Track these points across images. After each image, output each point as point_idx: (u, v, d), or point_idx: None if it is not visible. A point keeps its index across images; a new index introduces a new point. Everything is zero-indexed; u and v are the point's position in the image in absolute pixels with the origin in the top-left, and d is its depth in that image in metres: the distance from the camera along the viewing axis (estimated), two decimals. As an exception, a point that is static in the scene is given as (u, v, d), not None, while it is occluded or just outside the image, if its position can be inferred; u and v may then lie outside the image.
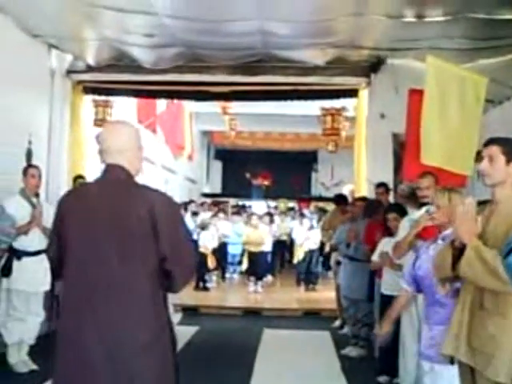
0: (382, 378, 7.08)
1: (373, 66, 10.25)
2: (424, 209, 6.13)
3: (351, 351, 8.53)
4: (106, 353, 3.10)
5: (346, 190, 14.41)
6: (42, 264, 7.10)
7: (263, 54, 9.92)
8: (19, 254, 7.01)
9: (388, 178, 9.07)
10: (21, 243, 6.99)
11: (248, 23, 8.21)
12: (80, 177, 9.50)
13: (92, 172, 10.29)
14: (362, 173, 10.40)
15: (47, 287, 7.36)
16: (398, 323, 6.42)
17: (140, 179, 3.49)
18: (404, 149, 8.51)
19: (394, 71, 9.89)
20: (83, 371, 3.15)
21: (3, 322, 7.05)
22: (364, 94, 10.61)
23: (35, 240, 7.07)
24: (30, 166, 7.23)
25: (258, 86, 10.85)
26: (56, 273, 3.52)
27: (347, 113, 13.76)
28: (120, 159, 3.33)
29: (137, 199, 3.23)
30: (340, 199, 10.93)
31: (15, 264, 6.97)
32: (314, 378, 7.38)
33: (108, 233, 3.18)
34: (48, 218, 7.06)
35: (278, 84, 10.67)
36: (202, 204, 19.29)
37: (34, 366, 7.12)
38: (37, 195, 7.22)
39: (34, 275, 7.06)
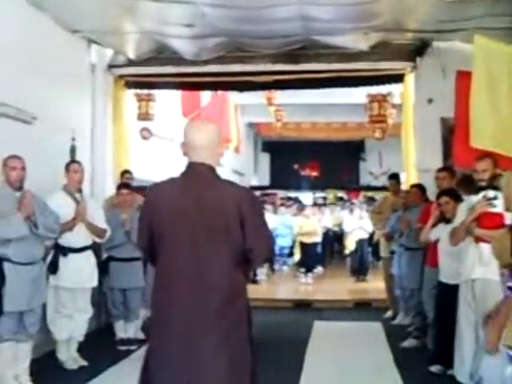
0: (436, 368, 6.83)
1: (418, 50, 9.92)
2: (481, 194, 5.92)
3: (412, 342, 8.31)
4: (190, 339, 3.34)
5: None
6: (89, 260, 7.15)
7: (305, 40, 9.71)
8: (65, 251, 6.96)
9: (437, 164, 8.77)
10: (66, 240, 6.94)
11: (288, 8, 8.00)
12: (127, 171, 9.51)
13: (137, 167, 10.29)
14: (411, 160, 10.12)
15: (94, 283, 7.32)
16: (453, 312, 6.22)
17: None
18: (453, 134, 8.33)
19: (440, 54, 9.56)
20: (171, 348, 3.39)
21: (52, 319, 7.01)
22: (410, 78, 10.29)
23: (80, 236, 7.04)
24: (72, 161, 7.17)
25: (301, 75, 10.61)
26: (150, 262, 3.79)
27: (394, 100, 13.50)
28: (204, 155, 3.54)
29: (224, 194, 3.49)
30: (393, 177, 10.59)
31: (61, 261, 6.91)
32: (365, 371, 7.17)
33: (198, 225, 3.41)
34: (92, 213, 7.07)
35: (322, 71, 10.42)
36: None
37: (84, 362, 7.13)
38: (80, 191, 7.16)
39: (80, 272, 7.03)
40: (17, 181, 6.06)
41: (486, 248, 5.77)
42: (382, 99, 12.65)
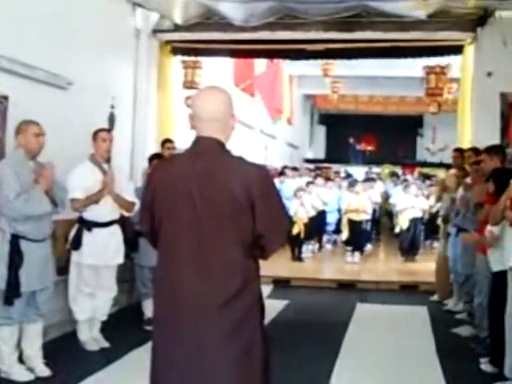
0: (487, 366, 6.22)
1: (479, 19, 9.34)
2: None
3: (463, 330, 7.82)
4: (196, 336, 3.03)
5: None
6: (115, 236, 6.75)
7: (359, 7, 9.21)
8: (89, 225, 6.53)
9: (494, 141, 8.20)
10: (91, 213, 6.51)
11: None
12: (168, 140, 8.84)
13: (181, 136, 9.96)
14: (466, 136, 9.59)
15: (120, 260, 6.88)
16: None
17: (238, 145, 3.22)
18: None
19: (502, 24, 8.94)
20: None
21: (74, 297, 6.66)
22: (470, 50, 9.74)
23: (107, 210, 6.59)
24: (100, 129, 6.75)
25: (355, 44, 10.23)
26: (153, 247, 3.37)
27: (452, 73, 12.95)
28: (212, 128, 3.16)
29: (232, 174, 3.09)
30: (458, 150, 9.83)
31: (85, 236, 6.51)
32: (404, 362, 6.71)
33: (201, 208, 3.05)
34: (121, 185, 6.70)
35: (377, 41, 9.99)
36: (298, 170, 18.50)
37: (106, 344, 6.77)
38: (108, 161, 6.69)
39: (105, 248, 6.59)
40: (37, 149, 5.66)
41: None
42: (440, 71, 12.14)
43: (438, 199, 10.56)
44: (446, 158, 20.29)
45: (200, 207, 3.04)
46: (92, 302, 6.69)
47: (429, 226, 15.10)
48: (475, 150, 7.76)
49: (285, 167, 17.63)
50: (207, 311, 3.02)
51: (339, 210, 15.40)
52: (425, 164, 25.89)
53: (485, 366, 6.24)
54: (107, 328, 6.98)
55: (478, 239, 6.64)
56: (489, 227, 6.06)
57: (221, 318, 3.01)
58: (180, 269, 3.07)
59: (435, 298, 9.86)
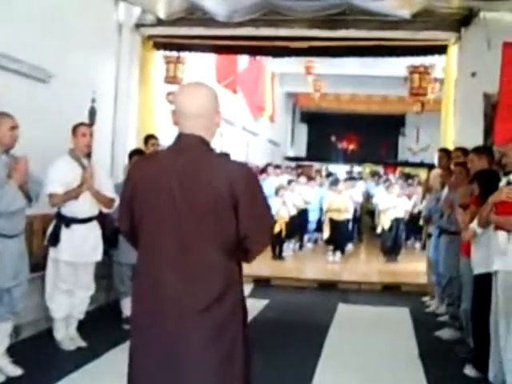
0: (471, 371, 6.13)
1: (464, 20, 9.32)
2: (505, 179, 5.42)
3: (445, 333, 7.76)
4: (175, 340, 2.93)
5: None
6: (94, 232, 6.62)
7: (344, 5, 9.17)
8: (68, 221, 6.37)
9: (477, 142, 8.17)
10: (70, 209, 6.35)
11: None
12: (152, 136, 8.60)
13: (163, 132, 9.85)
14: (449, 137, 9.56)
15: (98, 258, 6.74)
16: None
17: (220, 142, 3.07)
18: (496, 110, 7.93)
19: (487, 25, 8.88)
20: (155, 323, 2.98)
21: (50, 294, 6.50)
22: (454, 50, 9.73)
23: (86, 205, 6.44)
24: (80, 124, 6.61)
25: (339, 42, 10.16)
26: (134, 247, 3.26)
27: (435, 74, 12.96)
28: (196, 124, 3.05)
29: (215, 172, 2.97)
30: (443, 149, 9.47)
31: (63, 232, 6.34)
32: (386, 364, 6.64)
33: (183, 206, 2.94)
34: (100, 180, 6.56)
35: (361, 39, 9.94)
36: (280, 167, 18.49)
37: (83, 343, 6.60)
38: (88, 156, 6.54)
39: (83, 244, 6.45)
40: (12, 142, 5.51)
41: (503, 236, 5.35)
42: (424, 71, 12.14)
43: (423, 199, 10.52)
44: (428, 158, 20.35)
45: (181, 206, 2.93)
46: (69, 299, 6.55)
47: (409, 226, 15.07)
48: (464, 150, 7.70)
49: (268, 165, 17.50)
50: (189, 315, 2.92)
51: (321, 209, 15.31)
52: (406, 164, 25.95)
53: (469, 370, 6.16)
54: (84, 327, 6.83)
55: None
56: (471, 225, 6.01)
57: (202, 322, 2.91)
58: (161, 271, 2.96)
59: (427, 299, 9.77)
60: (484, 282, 5.84)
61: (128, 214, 3.14)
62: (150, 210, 3.01)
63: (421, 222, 10.87)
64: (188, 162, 2.98)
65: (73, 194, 6.32)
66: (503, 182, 5.48)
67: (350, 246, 15.67)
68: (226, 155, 3.15)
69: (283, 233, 13.52)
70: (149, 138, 8.53)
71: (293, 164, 23.57)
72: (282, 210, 13.41)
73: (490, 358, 5.58)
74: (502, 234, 5.34)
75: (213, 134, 3.15)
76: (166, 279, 2.94)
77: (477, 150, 7.02)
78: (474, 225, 5.95)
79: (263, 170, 16.54)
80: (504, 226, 5.32)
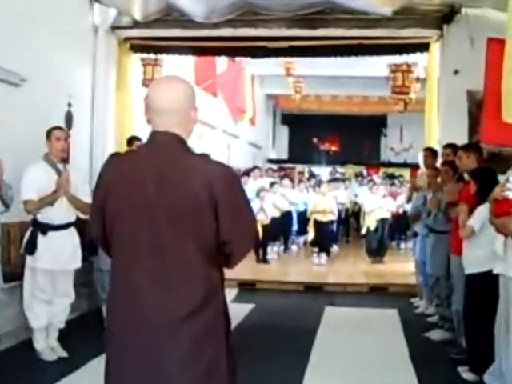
0: (467, 375, 5.97)
1: (446, 17, 9.20)
2: (503, 177, 5.29)
3: (435, 334, 7.63)
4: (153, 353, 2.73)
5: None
6: (72, 239, 6.45)
7: (324, 3, 8.99)
8: (44, 228, 6.21)
9: (462, 140, 8.03)
10: (46, 216, 6.20)
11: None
12: (136, 138, 8.39)
13: (141, 135, 9.68)
14: (434, 136, 9.45)
15: (78, 265, 6.57)
16: (493, 309, 5.52)
17: (201, 145, 2.85)
18: (481, 108, 7.80)
19: (469, 22, 8.83)
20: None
21: (28, 304, 6.34)
22: (436, 47, 9.62)
23: (62, 211, 6.29)
24: (54, 127, 6.43)
25: (318, 41, 10.02)
26: (107, 254, 3.05)
27: (417, 73, 12.87)
28: (170, 121, 2.83)
29: (193, 172, 2.77)
30: (428, 148, 9.17)
31: (40, 239, 6.19)
32: (376, 367, 6.50)
33: (159, 210, 2.74)
34: (76, 185, 6.39)
35: (341, 38, 9.81)
36: (267, 170, 18.36)
37: (64, 354, 6.42)
38: (65, 161, 6.37)
39: (61, 252, 6.28)
40: None
41: (500, 242, 5.24)
42: (407, 69, 12.03)
43: (409, 199, 10.37)
44: (411, 158, 20.30)
45: (157, 209, 2.74)
46: (48, 308, 6.38)
47: (394, 227, 14.96)
48: (454, 147, 7.55)
49: (256, 167, 17.08)
50: (167, 326, 2.72)
51: (305, 211, 15.16)
52: (389, 164, 25.95)
53: (465, 374, 6.00)
54: (65, 336, 6.65)
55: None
56: (469, 222, 5.89)
57: (182, 333, 2.72)
58: (136, 278, 2.77)
59: (416, 300, 9.62)
60: (477, 282, 5.73)
61: (100, 219, 2.93)
62: (124, 214, 2.81)
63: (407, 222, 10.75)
64: (164, 162, 2.79)
65: (48, 200, 6.17)
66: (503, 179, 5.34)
67: (335, 248, 15.58)
68: (205, 155, 2.93)
69: (260, 236, 13.26)
70: (132, 139, 8.36)
71: (275, 166, 23.46)
72: (260, 214, 13.18)
73: (494, 360, 5.42)
74: (499, 238, 5.23)
75: (190, 132, 2.95)
76: (142, 286, 2.74)
77: (465, 148, 6.91)
78: (472, 223, 5.83)
79: (247, 173, 16.26)
80: (501, 229, 5.18)
